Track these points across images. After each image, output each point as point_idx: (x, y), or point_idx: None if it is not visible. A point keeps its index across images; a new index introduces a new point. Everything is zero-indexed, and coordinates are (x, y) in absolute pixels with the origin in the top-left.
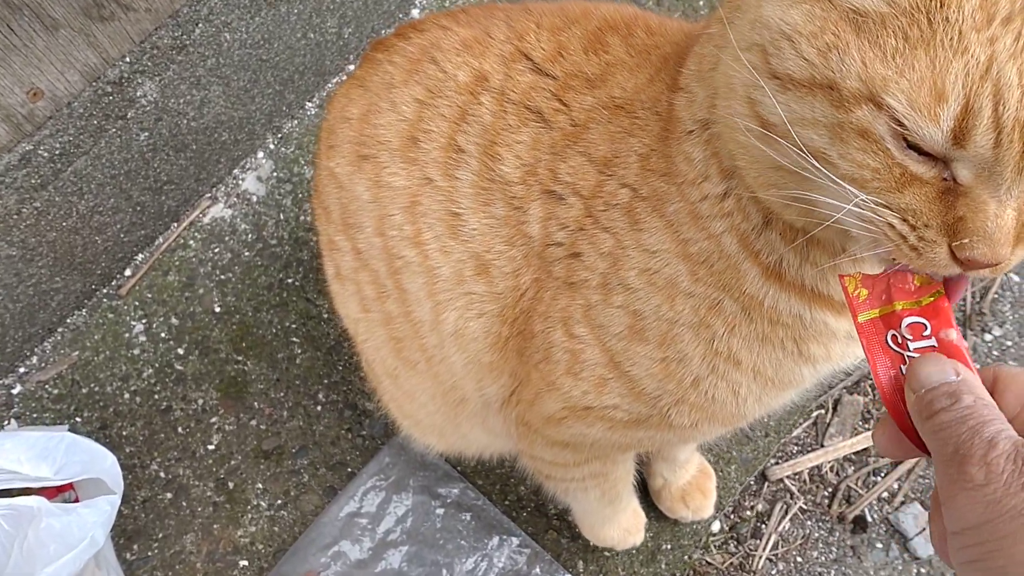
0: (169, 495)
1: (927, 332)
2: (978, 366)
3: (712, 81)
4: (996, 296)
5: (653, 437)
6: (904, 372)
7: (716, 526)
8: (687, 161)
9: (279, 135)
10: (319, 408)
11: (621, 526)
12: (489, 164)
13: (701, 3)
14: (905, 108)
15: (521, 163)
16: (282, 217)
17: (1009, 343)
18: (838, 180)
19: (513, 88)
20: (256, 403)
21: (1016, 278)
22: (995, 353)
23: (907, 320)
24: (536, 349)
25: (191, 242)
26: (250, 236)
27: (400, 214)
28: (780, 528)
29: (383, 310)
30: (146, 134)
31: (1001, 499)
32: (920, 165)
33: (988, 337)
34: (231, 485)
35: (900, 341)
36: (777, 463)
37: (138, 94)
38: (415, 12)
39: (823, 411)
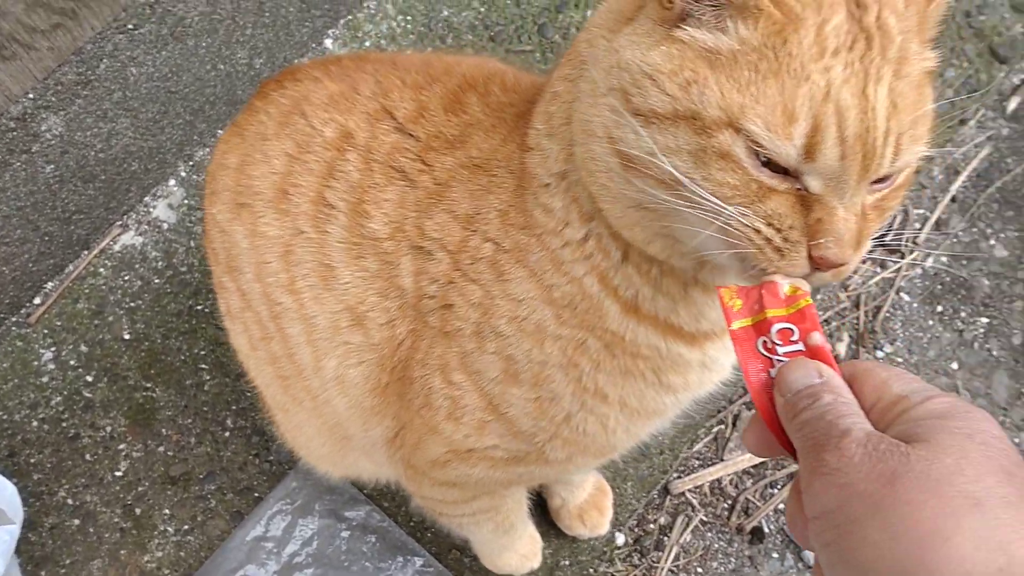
0: (77, 522)
1: (795, 337)
2: None
3: (565, 135)
4: (888, 315)
5: (533, 472)
6: (773, 375)
7: (620, 539)
8: (546, 212)
9: (191, 163)
10: (227, 434)
11: (518, 553)
12: (358, 221)
13: None
14: (762, 130)
15: (389, 220)
16: (192, 244)
17: (900, 360)
18: (703, 200)
19: (378, 147)
20: (164, 430)
21: (907, 297)
22: None
23: (776, 326)
24: (416, 395)
25: (101, 270)
26: (160, 263)
27: (276, 262)
28: (682, 540)
29: (268, 350)
30: (52, 167)
31: (853, 483)
32: (774, 179)
33: (880, 354)
34: (138, 511)
35: (770, 346)
36: (679, 477)
37: (43, 128)
38: (328, 43)
39: (723, 426)
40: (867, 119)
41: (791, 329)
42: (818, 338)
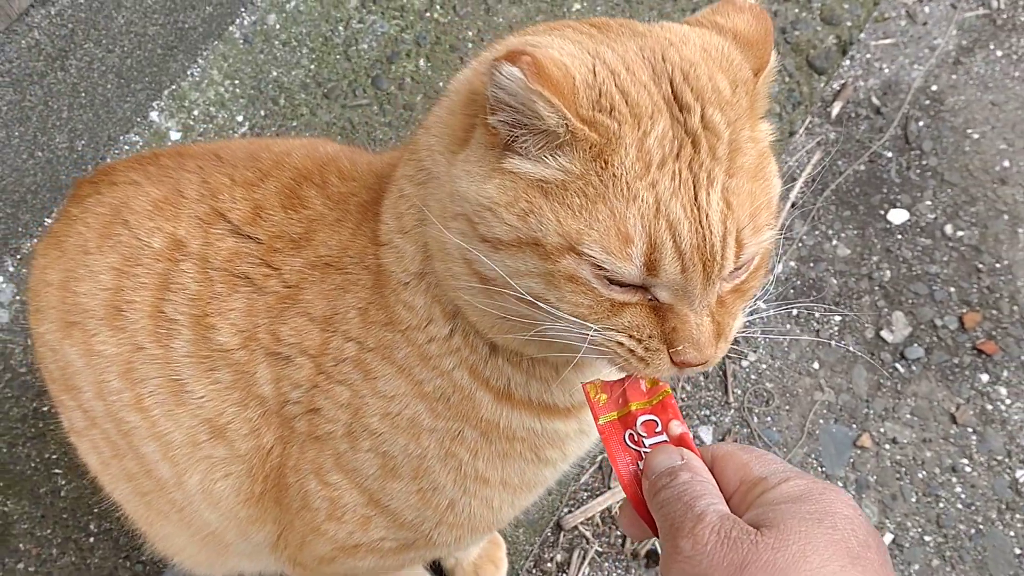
0: None
1: (659, 428)
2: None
3: (419, 237)
4: (747, 323)
5: (423, 555)
6: (641, 467)
7: None
8: (408, 309)
9: (18, 256)
10: (91, 539)
11: None
12: (204, 334)
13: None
14: (600, 253)
15: (238, 330)
16: (30, 343)
17: (764, 366)
18: (562, 319)
19: (214, 254)
20: (22, 544)
21: (763, 305)
22: (753, 377)
23: (641, 419)
24: (293, 499)
25: None
26: None
27: (116, 380)
28: (580, 574)
29: (122, 467)
30: None
31: (705, 571)
32: (624, 294)
33: (745, 363)
34: None
35: (636, 439)
36: (570, 511)
37: None
38: (154, 115)
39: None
40: (702, 228)
41: (655, 421)
42: (677, 427)
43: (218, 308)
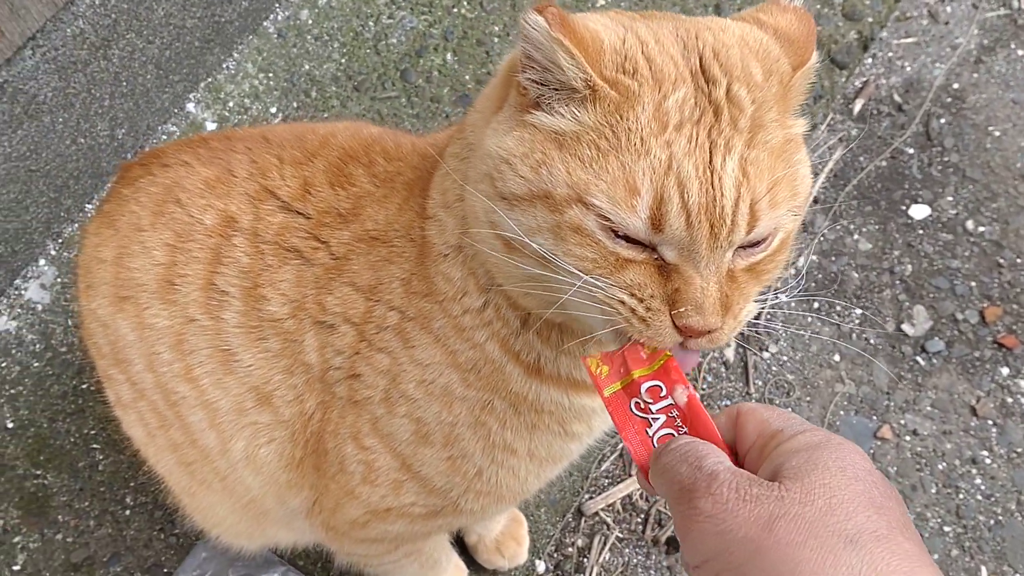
0: None
1: (663, 393)
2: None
3: (459, 211)
4: (768, 316)
5: (451, 522)
6: (650, 433)
7: (541, 566)
8: (446, 280)
9: (60, 240)
10: (128, 512)
11: None
12: (255, 305)
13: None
14: (606, 204)
15: (288, 300)
16: (70, 323)
17: (785, 358)
18: (571, 273)
19: (265, 229)
20: (61, 516)
21: (784, 298)
22: (774, 368)
23: (645, 385)
24: (331, 463)
25: None
26: (38, 346)
27: (167, 352)
28: (601, 560)
29: (168, 437)
30: None
31: (731, 529)
32: (630, 250)
33: (766, 355)
34: None
35: (643, 406)
36: (591, 497)
37: None
38: (191, 107)
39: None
40: (713, 190)
41: (659, 386)
42: (683, 393)
43: (269, 279)
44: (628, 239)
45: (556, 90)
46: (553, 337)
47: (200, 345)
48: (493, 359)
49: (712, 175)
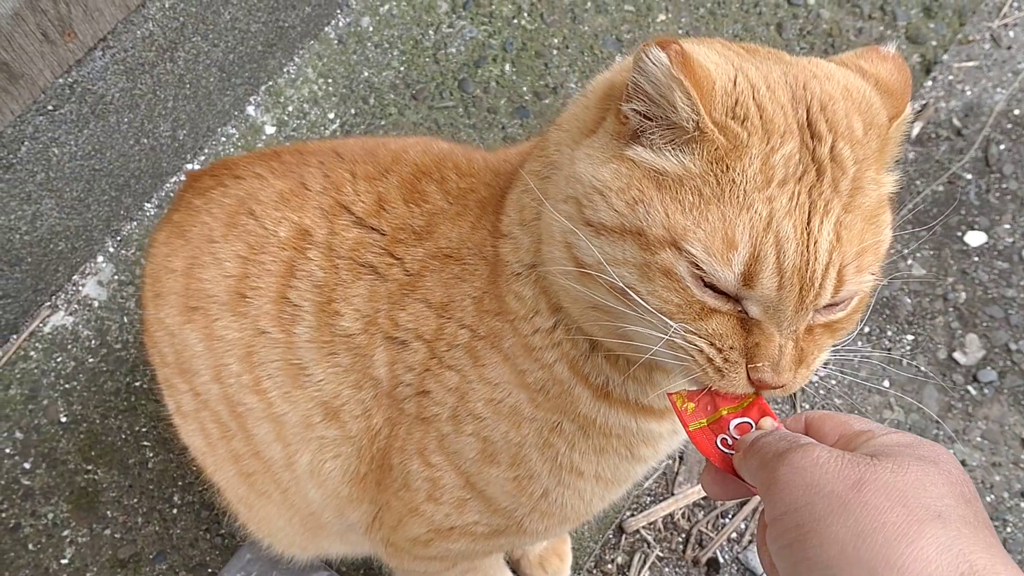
0: None
1: (753, 429)
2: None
3: (535, 229)
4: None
5: (512, 542)
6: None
7: None
8: (518, 299)
9: (119, 238)
10: (175, 511)
11: None
12: (328, 321)
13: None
14: (702, 254)
15: (360, 315)
16: (126, 320)
17: (833, 381)
18: (649, 313)
19: (340, 244)
20: (109, 512)
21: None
22: (822, 391)
23: (734, 422)
24: (395, 479)
25: (32, 353)
26: (94, 342)
27: (236, 364)
28: None
29: (229, 448)
30: None
31: (819, 483)
32: (716, 300)
33: (814, 379)
34: None
35: (730, 443)
36: (632, 515)
37: None
38: (251, 110)
39: (671, 461)
40: (808, 252)
41: (748, 423)
42: (770, 423)
43: (343, 295)
44: (715, 289)
45: (662, 127)
46: (620, 362)
47: (270, 358)
48: (562, 380)
49: (808, 237)
